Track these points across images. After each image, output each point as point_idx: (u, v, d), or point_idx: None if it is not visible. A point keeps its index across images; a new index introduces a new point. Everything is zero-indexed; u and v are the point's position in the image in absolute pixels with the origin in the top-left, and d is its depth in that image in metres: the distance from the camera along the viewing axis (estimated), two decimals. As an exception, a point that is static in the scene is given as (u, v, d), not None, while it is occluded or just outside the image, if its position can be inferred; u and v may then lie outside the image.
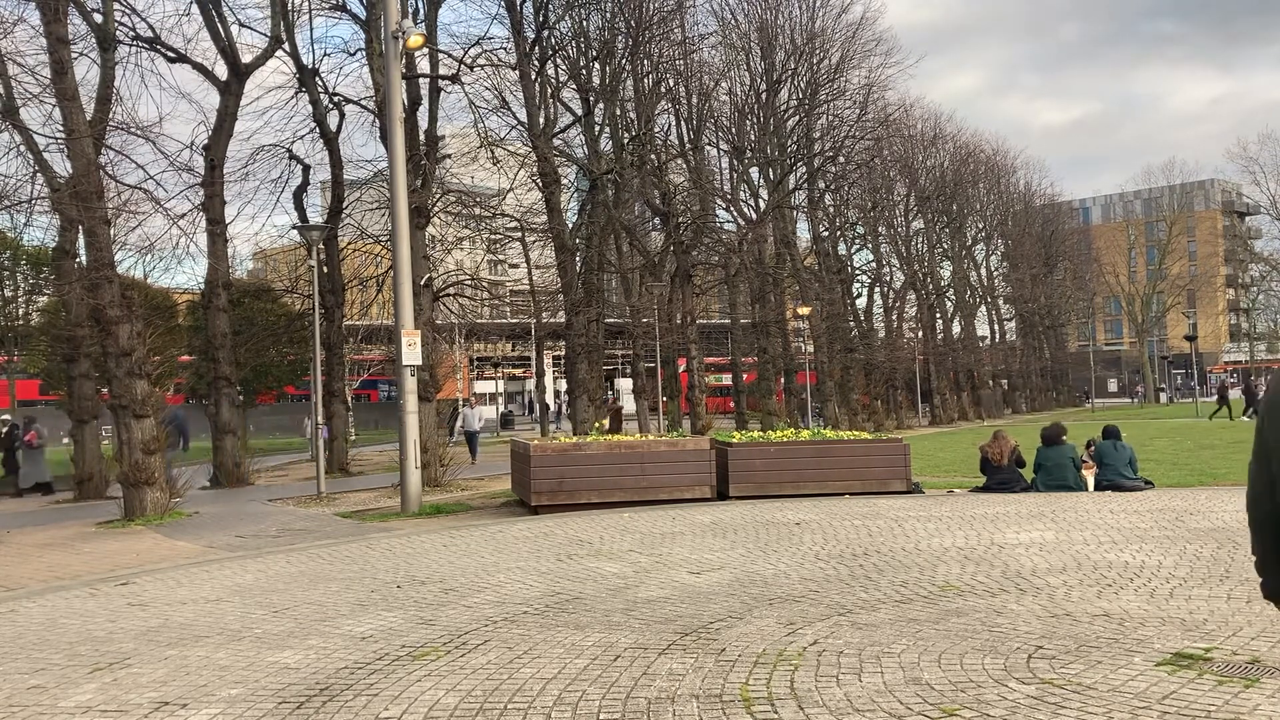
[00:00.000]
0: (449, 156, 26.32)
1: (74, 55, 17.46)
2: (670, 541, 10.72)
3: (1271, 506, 2.45)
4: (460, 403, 42.06)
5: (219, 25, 22.93)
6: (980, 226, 67.88)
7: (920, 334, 58.60)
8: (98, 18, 19.99)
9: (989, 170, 66.58)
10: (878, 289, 55.68)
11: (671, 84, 36.07)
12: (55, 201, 19.31)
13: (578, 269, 30.84)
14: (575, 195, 41.80)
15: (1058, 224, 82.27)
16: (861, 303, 54.10)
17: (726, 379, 50.79)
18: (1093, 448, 15.23)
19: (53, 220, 22.84)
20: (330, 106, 26.33)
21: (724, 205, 41.72)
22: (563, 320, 33.08)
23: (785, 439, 16.46)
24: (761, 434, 18.72)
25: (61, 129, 17.16)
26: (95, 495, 20.18)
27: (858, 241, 53.79)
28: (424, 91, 22.61)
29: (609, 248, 36.50)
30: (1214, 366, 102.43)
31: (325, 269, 25.52)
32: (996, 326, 72.60)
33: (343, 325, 28.11)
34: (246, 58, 23.55)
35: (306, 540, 12.75)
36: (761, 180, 42.11)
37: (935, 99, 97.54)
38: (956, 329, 64.17)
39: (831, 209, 48.27)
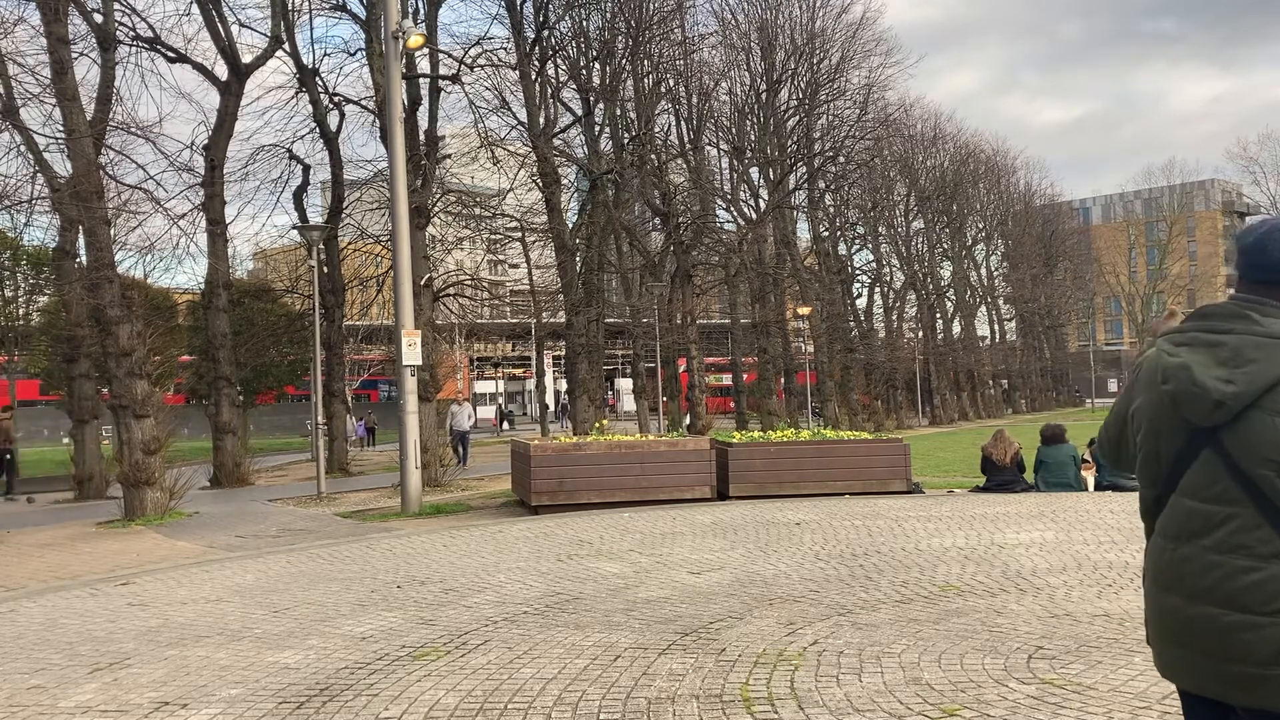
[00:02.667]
0: (449, 156, 26.34)
1: (74, 55, 17.47)
2: (670, 541, 10.71)
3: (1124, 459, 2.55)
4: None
5: (219, 25, 22.94)
6: (980, 226, 67.96)
7: (920, 334, 58.65)
8: (98, 18, 20.00)
9: (989, 170, 66.66)
10: (878, 289, 55.76)
11: (671, 84, 36.09)
12: (55, 201, 19.32)
13: (578, 269, 30.83)
14: (575, 195, 41.81)
15: (1058, 224, 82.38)
16: (861, 303, 54.25)
17: (726, 379, 50.84)
18: (1094, 446, 15.22)
19: (53, 220, 22.87)
20: (330, 106, 26.35)
21: (724, 205, 41.75)
22: (563, 320, 33.09)
23: (785, 439, 16.45)
24: (761, 434, 18.72)
25: (61, 129, 17.17)
26: (95, 495, 20.19)
27: (858, 241, 53.85)
28: (424, 91, 22.61)
29: (609, 248, 36.49)
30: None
31: (325, 269, 25.53)
32: (996, 326, 72.71)
33: (343, 325, 28.12)
34: (246, 58, 23.57)
35: (306, 540, 12.75)
36: (761, 180, 42.14)
37: (935, 98, 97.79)
38: (956, 329, 64.26)
39: (831, 209, 48.31)
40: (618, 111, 33.09)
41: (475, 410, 45.40)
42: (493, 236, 38.93)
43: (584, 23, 31.25)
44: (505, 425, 54.57)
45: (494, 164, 28.98)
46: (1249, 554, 2.20)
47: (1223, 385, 2.21)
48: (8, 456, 21.85)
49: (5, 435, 21.99)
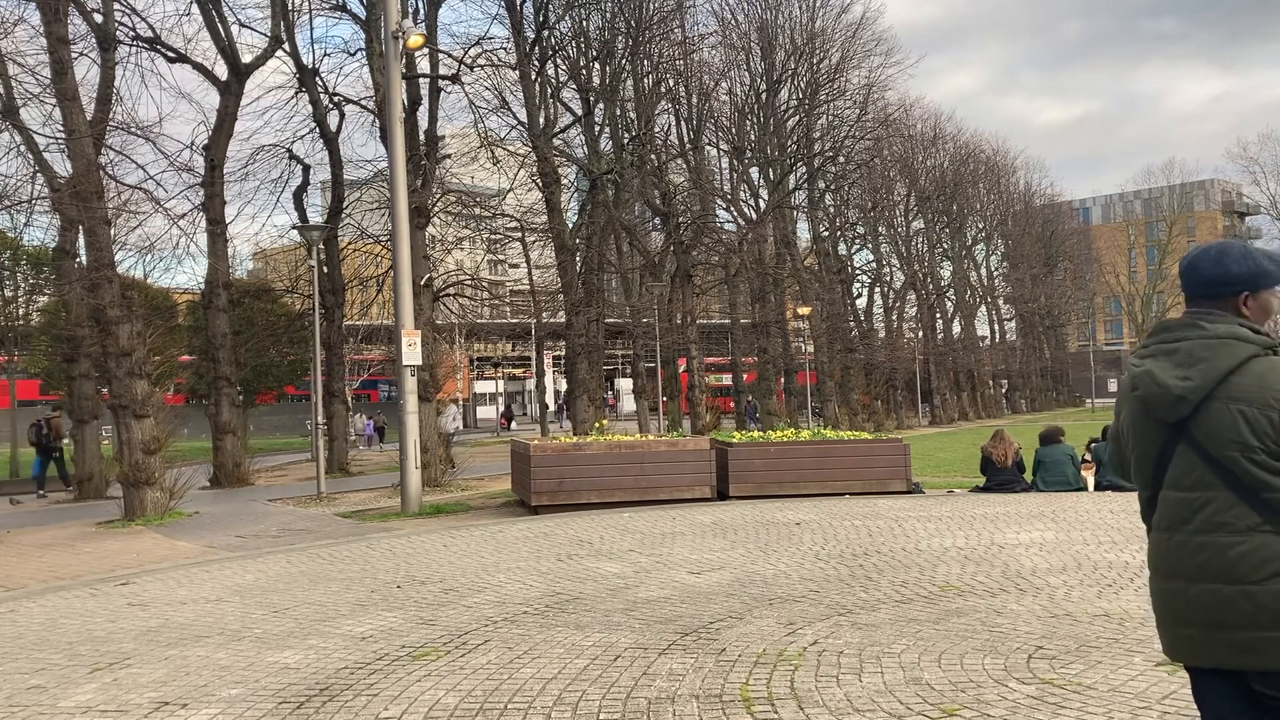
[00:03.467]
0: (449, 156, 26.31)
1: (74, 55, 17.46)
2: (670, 541, 10.72)
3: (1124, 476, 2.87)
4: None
5: (219, 25, 22.93)
6: (980, 226, 67.92)
7: (920, 334, 58.61)
8: (98, 18, 20.00)
9: (989, 170, 66.61)
10: (878, 289, 55.73)
11: (671, 84, 36.07)
12: (55, 201, 19.33)
13: (578, 269, 30.82)
14: (575, 195, 41.79)
15: (1058, 224, 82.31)
16: (861, 303, 54.21)
17: (726, 379, 50.85)
18: (1094, 445, 15.24)
19: (53, 220, 22.88)
20: (330, 106, 26.33)
21: (724, 205, 41.73)
22: (563, 320, 33.08)
23: (785, 439, 16.45)
24: (761, 434, 18.72)
25: (61, 129, 17.17)
26: (95, 495, 20.20)
27: (858, 241, 53.83)
28: (424, 91, 22.60)
29: (609, 248, 36.48)
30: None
31: (325, 269, 25.52)
32: (996, 326, 72.65)
33: (343, 325, 28.10)
34: (246, 58, 23.56)
35: (306, 540, 12.75)
36: (761, 180, 42.12)
37: (936, 98, 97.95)
38: (956, 329, 64.23)
39: (831, 209, 48.29)
40: (618, 111, 33.07)
41: (462, 411, 45.45)
42: (493, 236, 38.91)
43: (584, 23, 31.25)
44: (513, 425, 54.71)
45: (494, 164, 28.97)
46: (1230, 530, 2.50)
47: (1181, 382, 2.55)
48: (56, 454, 22.03)
49: (56, 433, 22.16)
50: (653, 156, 35.56)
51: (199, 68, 23.24)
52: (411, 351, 16.05)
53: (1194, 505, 2.55)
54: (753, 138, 40.82)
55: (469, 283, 32.49)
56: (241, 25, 25.31)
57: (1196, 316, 2.65)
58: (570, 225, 32.72)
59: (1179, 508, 2.58)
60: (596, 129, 32.49)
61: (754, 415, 41.41)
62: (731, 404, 43.97)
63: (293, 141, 26.65)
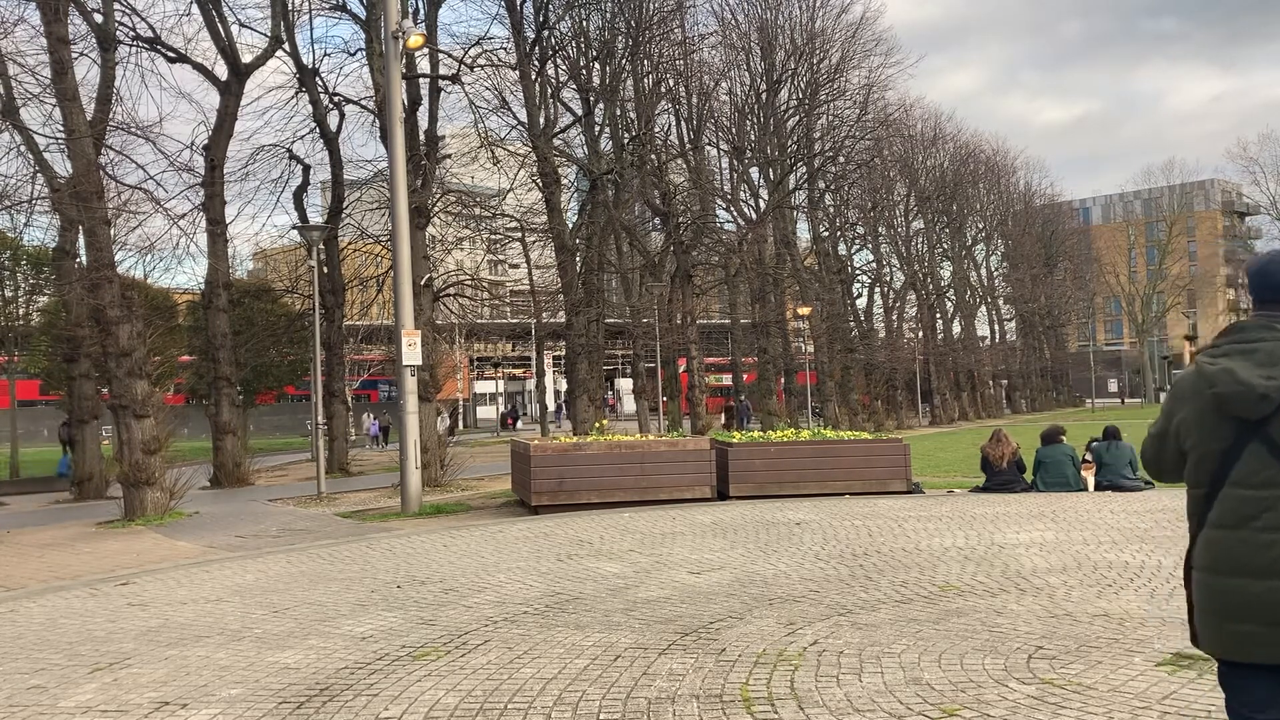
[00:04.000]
0: (449, 156, 26.33)
1: (74, 55, 17.48)
2: (670, 541, 10.71)
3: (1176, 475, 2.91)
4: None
5: (219, 25, 22.95)
6: (980, 226, 67.95)
7: (920, 334, 58.62)
8: (98, 18, 20.02)
9: (989, 170, 66.64)
10: (878, 289, 55.74)
11: (671, 84, 36.08)
12: (55, 201, 19.33)
13: (578, 269, 30.83)
14: (575, 195, 41.81)
15: (1058, 224, 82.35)
16: (861, 303, 54.22)
17: (727, 379, 50.86)
18: (1094, 445, 15.26)
19: (53, 220, 22.90)
20: (330, 106, 26.35)
21: (724, 205, 41.74)
22: (563, 320, 33.10)
23: (785, 439, 16.45)
24: (761, 434, 18.72)
25: (61, 129, 17.18)
26: (95, 495, 20.21)
27: (858, 241, 53.82)
28: (424, 91, 22.61)
29: (609, 248, 36.49)
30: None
31: (325, 269, 25.53)
32: (996, 326, 72.66)
33: (343, 325, 28.12)
34: (246, 58, 23.58)
35: (307, 540, 12.75)
36: (761, 180, 42.13)
37: (936, 98, 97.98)
38: (956, 329, 64.24)
39: (831, 209, 48.30)
40: (618, 111, 33.08)
41: (450, 414, 45.43)
42: (493, 236, 38.93)
43: (584, 23, 31.26)
44: (518, 424, 54.72)
45: (494, 164, 28.98)
46: None
47: (1264, 381, 2.58)
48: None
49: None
50: (653, 156, 35.56)
51: (199, 68, 23.27)
52: (411, 351, 16.05)
53: (1262, 503, 2.59)
54: (753, 138, 40.83)
55: (469, 283, 32.50)
56: (241, 25, 25.42)
57: (1270, 319, 2.70)
58: (570, 225, 32.73)
59: (1245, 505, 2.62)
60: (596, 129, 32.50)
61: (747, 417, 41.21)
62: (732, 404, 43.99)
63: (293, 141, 26.72)
